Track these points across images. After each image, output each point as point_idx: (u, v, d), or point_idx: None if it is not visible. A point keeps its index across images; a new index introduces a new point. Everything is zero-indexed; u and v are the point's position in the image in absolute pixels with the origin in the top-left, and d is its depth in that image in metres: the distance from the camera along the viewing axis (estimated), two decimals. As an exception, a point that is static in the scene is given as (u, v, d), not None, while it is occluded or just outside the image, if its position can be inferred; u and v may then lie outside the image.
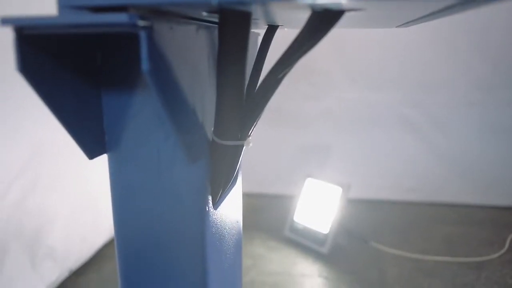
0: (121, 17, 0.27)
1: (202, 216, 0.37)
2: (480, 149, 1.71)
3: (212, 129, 0.38)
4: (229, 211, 0.45)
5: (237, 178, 0.46)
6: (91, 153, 0.36)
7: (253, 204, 1.81)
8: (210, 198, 0.39)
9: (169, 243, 0.38)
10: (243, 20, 0.34)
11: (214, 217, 0.39)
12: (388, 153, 1.76)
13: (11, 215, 0.98)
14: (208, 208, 0.38)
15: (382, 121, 1.74)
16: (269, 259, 1.32)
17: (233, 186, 0.45)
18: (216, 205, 0.40)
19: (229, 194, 0.44)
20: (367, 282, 1.16)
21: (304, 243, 1.38)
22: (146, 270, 0.38)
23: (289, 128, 1.81)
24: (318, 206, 1.40)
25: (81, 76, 0.34)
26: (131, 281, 0.40)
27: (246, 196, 1.90)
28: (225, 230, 0.44)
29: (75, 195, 1.20)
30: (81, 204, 1.22)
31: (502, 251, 1.33)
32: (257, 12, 0.34)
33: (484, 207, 1.70)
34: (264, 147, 1.81)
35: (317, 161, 1.76)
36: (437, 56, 1.63)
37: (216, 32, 0.36)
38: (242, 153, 0.40)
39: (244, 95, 0.37)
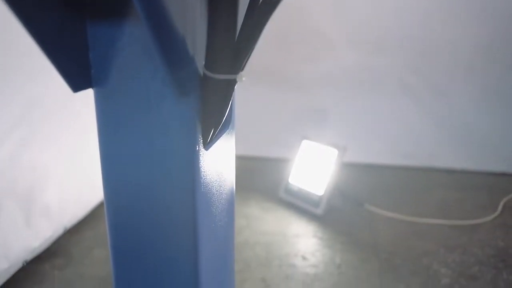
0: None
1: (193, 156, 0.36)
2: (478, 115, 1.70)
3: (203, 62, 0.37)
4: (221, 160, 0.44)
5: (229, 121, 0.45)
6: (76, 86, 0.34)
7: (249, 167, 1.80)
8: (201, 138, 0.37)
9: (158, 183, 0.37)
10: None
11: (205, 159, 0.38)
12: (386, 117, 1.75)
13: (5, 171, 0.97)
14: (199, 148, 0.37)
15: (381, 85, 1.71)
16: (263, 220, 1.32)
17: (225, 129, 0.44)
18: (207, 145, 0.38)
19: (220, 141, 0.43)
20: (361, 243, 1.17)
21: (299, 205, 1.38)
22: (134, 210, 0.38)
23: (286, 90, 1.78)
24: (314, 168, 1.39)
25: (66, 3, 0.32)
26: (119, 226, 0.39)
27: (242, 159, 1.90)
28: (217, 178, 0.43)
29: (70, 153, 1.19)
30: (76, 163, 1.22)
31: (495, 214, 1.34)
32: None
33: (479, 173, 1.71)
34: (260, 109, 1.79)
35: (313, 124, 1.74)
36: (438, 21, 1.60)
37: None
38: (235, 88, 0.38)
39: (236, 24, 0.35)
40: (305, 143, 1.46)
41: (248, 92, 1.72)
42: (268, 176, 1.67)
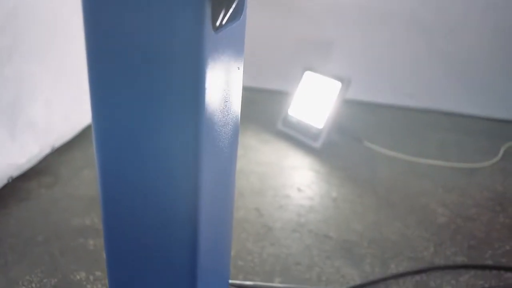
0: None
1: (201, 40, 0.30)
2: (488, 59, 1.62)
3: None
4: (230, 56, 0.38)
5: (242, 9, 0.38)
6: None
7: (248, 98, 1.74)
8: (210, 18, 0.31)
9: (158, 61, 0.31)
10: None
11: (214, 45, 0.32)
12: (393, 53, 1.67)
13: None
14: (208, 30, 0.31)
15: (390, 19, 1.62)
16: (260, 150, 1.28)
17: (237, 17, 0.38)
18: (217, 28, 0.32)
19: (230, 35, 0.36)
20: (358, 179, 1.15)
21: (297, 137, 1.34)
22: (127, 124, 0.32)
23: (290, 19, 1.68)
24: (315, 101, 1.34)
25: None
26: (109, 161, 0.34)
27: (242, 90, 1.84)
28: (225, 81, 0.37)
29: (56, 68, 1.11)
30: (63, 79, 1.14)
31: (495, 159, 1.31)
32: None
33: (482, 118, 1.66)
34: (263, 39, 1.70)
35: (317, 55, 1.66)
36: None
37: None
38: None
39: None
40: (307, 74, 1.39)
41: (248, 18, 1.62)
42: (267, 108, 1.61)
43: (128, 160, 0.34)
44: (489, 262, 0.84)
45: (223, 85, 0.36)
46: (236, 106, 0.41)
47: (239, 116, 0.43)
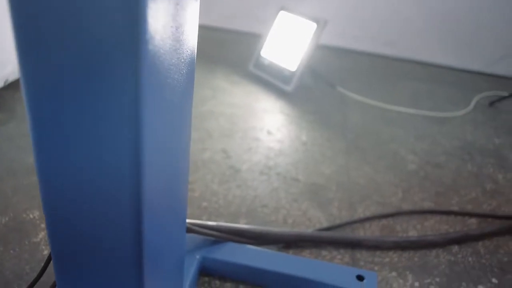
0: None
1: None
2: (466, 10, 1.59)
3: None
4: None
5: None
6: None
7: (219, 38, 1.66)
8: None
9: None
10: None
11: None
12: (372, 1, 1.61)
13: None
14: None
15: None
16: (230, 92, 1.23)
17: None
18: None
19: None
20: (329, 123, 1.12)
21: (269, 80, 1.29)
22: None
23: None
24: (289, 42, 1.28)
25: None
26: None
27: (210, 30, 1.75)
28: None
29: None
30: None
31: (466, 110, 1.30)
32: None
33: (456, 69, 1.65)
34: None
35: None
36: None
37: None
38: None
39: None
40: (282, 14, 1.32)
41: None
42: (239, 50, 1.54)
43: (63, 116, 0.28)
44: (455, 208, 0.84)
45: (170, 21, 0.29)
46: (191, 43, 0.34)
47: (195, 57, 0.37)
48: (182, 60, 0.32)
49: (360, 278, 0.61)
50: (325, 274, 0.61)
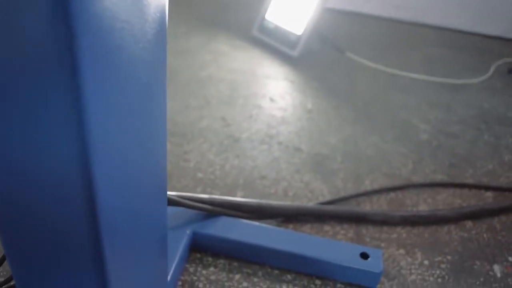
0: None
1: None
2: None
3: None
4: None
5: None
6: None
7: (222, 1, 1.58)
8: None
9: None
10: None
11: None
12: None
13: None
14: None
15: None
16: (232, 57, 1.16)
17: None
18: None
19: None
20: (337, 91, 1.05)
21: (273, 45, 1.22)
22: None
23: None
24: (295, 5, 1.20)
25: None
26: None
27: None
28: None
29: None
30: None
31: (484, 77, 1.22)
32: None
33: (472, 33, 1.55)
34: None
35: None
36: None
37: None
38: None
39: None
40: (288, -27, 1.23)
41: None
42: (242, 13, 1.46)
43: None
44: (470, 181, 0.78)
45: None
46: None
47: (166, 19, 0.30)
48: (148, 27, 0.26)
49: (364, 256, 0.56)
50: (326, 251, 0.56)
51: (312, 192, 0.71)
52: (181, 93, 0.96)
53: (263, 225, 0.60)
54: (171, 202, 0.53)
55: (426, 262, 0.61)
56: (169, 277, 0.50)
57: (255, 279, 0.56)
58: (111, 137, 0.25)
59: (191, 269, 0.56)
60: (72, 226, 0.26)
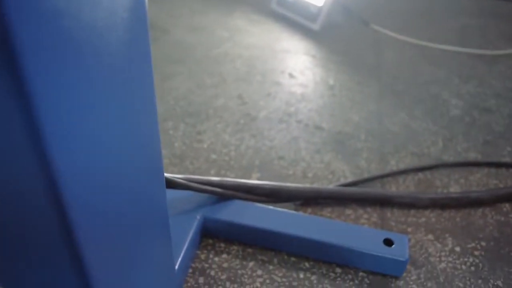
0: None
1: None
2: None
3: None
4: None
5: None
6: None
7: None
8: None
9: None
10: None
11: None
12: None
13: None
14: None
15: None
16: (249, 33, 1.11)
17: None
18: None
19: None
20: (361, 65, 0.99)
21: (293, 18, 1.16)
22: None
23: None
24: (316, -26, 1.13)
25: None
26: None
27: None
28: None
29: None
30: None
31: (522, 47, 1.13)
32: None
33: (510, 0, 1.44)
34: None
35: None
36: None
37: None
38: None
39: None
40: None
41: None
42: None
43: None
44: (507, 159, 0.72)
45: None
46: None
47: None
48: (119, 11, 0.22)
49: (388, 242, 0.52)
50: (347, 237, 0.52)
51: (333, 173, 0.67)
52: (195, 71, 0.92)
53: (279, 209, 0.56)
54: (179, 185, 0.50)
55: (457, 248, 0.55)
56: (177, 265, 0.47)
57: (270, 267, 0.52)
58: (75, 128, 0.21)
59: (203, 256, 0.53)
60: (38, 221, 0.23)
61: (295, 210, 0.60)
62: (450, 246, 0.56)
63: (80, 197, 0.23)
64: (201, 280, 0.50)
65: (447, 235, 0.57)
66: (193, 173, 0.65)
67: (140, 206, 0.32)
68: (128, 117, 0.27)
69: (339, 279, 0.51)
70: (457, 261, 0.54)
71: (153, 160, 0.33)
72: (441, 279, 0.51)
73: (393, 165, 0.69)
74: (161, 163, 0.34)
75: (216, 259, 0.53)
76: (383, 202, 0.61)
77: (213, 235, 0.55)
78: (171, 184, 0.49)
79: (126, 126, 0.27)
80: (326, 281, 0.51)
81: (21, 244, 0.25)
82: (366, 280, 0.51)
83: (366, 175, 0.67)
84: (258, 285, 0.50)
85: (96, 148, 0.24)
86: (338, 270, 0.52)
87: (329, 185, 0.64)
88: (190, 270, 0.51)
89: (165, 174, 0.49)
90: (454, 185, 0.66)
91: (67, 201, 0.22)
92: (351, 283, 0.51)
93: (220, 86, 0.88)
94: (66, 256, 0.25)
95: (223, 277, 0.51)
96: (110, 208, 0.27)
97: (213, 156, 0.69)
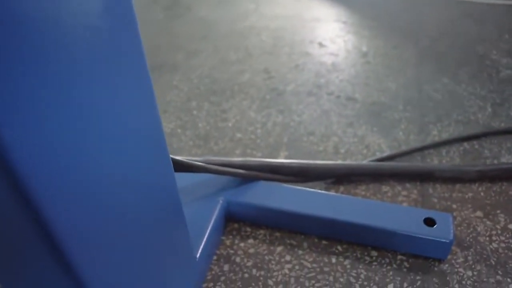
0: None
1: None
2: None
3: None
4: None
5: None
6: None
7: None
8: None
9: None
10: None
11: None
12: None
13: None
14: None
15: None
16: (275, 2, 1.05)
17: None
18: None
19: None
20: (396, 28, 0.91)
21: (322, -16, 1.08)
22: None
23: None
24: None
25: None
26: None
27: None
28: None
29: None
30: None
31: None
32: None
33: None
34: None
35: None
36: None
37: None
38: None
39: None
40: None
41: None
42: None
43: None
44: None
45: None
46: None
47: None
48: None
49: (429, 222, 0.46)
50: (384, 217, 0.47)
51: (368, 148, 0.62)
52: (220, 47, 0.88)
53: (308, 189, 0.51)
54: (197, 168, 0.47)
55: (510, 226, 0.49)
56: (198, 253, 0.44)
57: (300, 252, 0.48)
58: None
59: (228, 242, 0.50)
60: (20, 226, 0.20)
61: (326, 189, 0.55)
62: (502, 223, 0.50)
63: (81, 197, 0.20)
64: (226, 267, 0.47)
65: (498, 211, 0.51)
66: (217, 154, 0.62)
67: (147, 197, 0.29)
68: (127, 110, 0.24)
69: (375, 263, 0.47)
70: (511, 240, 0.48)
71: (157, 148, 0.29)
72: (492, 261, 0.46)
73: (434, 136, 0.63)
74: (166, 150, 0.31)
75: (242, 244, 0.50)
76: (424, 177, 0.56)
77: (239, 219, 0.52)
78: (188, 167, 0.46)
79: (125, 119, 0.23)
80: (360, 266, 0.46)
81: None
82: (405, 263, 0.46)
83: (404, 148, 0.61)
84: (287, 271, 0.46)
85: (96, 147, 0.20)
86: (374, 253, 0.48)
87: (364, 160, 0.59)
88: (215, 257, 0.49)
89: (182, 158, 0.46)
90: (505, 154, 0.59)
91: (68, 201, 0.19)
92: (388, 267, 0.46)
93: (246, 61, 0.83)
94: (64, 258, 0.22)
95: (249, 263, 0.48)
96: (114, 202, 0.24)
97: (238, 135, 0.65)
